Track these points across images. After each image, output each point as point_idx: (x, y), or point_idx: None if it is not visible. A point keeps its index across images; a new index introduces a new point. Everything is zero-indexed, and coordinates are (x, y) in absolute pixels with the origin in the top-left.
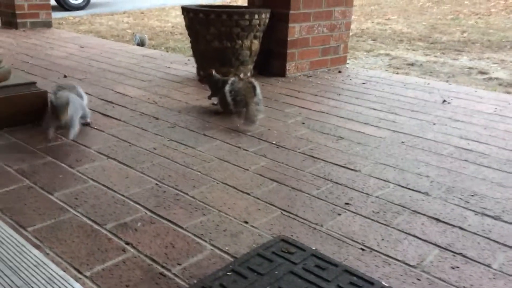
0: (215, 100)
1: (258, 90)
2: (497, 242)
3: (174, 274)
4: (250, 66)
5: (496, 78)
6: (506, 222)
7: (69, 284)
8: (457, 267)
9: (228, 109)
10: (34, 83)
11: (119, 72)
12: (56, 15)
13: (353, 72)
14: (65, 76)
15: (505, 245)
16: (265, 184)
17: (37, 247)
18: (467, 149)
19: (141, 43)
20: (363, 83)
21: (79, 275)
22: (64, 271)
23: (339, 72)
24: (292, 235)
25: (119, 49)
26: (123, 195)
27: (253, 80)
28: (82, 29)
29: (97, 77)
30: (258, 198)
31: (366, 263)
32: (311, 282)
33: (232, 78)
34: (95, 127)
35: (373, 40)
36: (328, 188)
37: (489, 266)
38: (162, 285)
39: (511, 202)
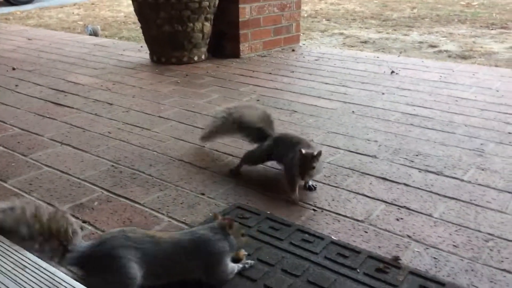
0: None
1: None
2: (438, 194)
3: None
4: (204, 49)
5: (446, 51)
6: (447, 176)
7: (20, 254)
8: (401, 219)
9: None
10: None
11: (70, 62)
12: (3, 10)
13: (306, 50)
14: (13, 69)
15: (446, 196)
16: (220, 159)
17: None
18: (413, 114)
19: (94, 35)
20: (316, 60)
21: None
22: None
23: (293, 50)
24: (247, 203)
25: (69, 40)
26: (78, 178)
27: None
28: (30, 23)
29: (47, 67)
30: (214, 172)
31: (317, 222)
32: (265, 242)
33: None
34: (47, 116)
35: (327, 20)
36: None
37: (430, 215)
38: None
39: (452, 159)
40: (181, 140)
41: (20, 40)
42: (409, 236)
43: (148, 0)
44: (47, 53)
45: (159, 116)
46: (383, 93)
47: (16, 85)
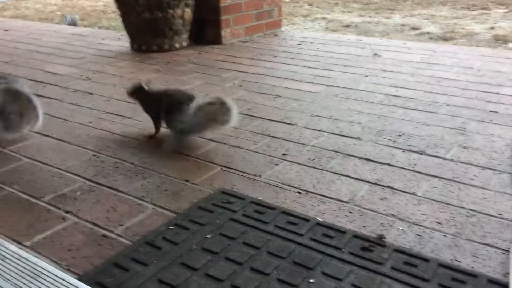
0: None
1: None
2: (421, 173)
3: (117, 234)
4: (185, 36)
5: (427, 33)
6: (429, 155)
7: (4, 247)
8: (386, 198)
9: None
10: None
11: (47, 52)
12: None
13: (289, 34)
14: None
15: (429, 175)
16: (204, 145)
17: None
18: (396, 96)
19: (73, 25)
20: (298, 44)
21: (19, 246)
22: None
23: (275, 35)
24: (232, 188)
25: (46, 30)
26: (59, 169)
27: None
28: (7, 15)
29: (24, 58)
30: (198, 158)
31: (302, 204)
32: (251, 225)
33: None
34: None
35: (310, 5)
36: (266, 143)
37: (414, 194)
38: (105, 245)
39: (434, 138)
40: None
41: None
42: (393, 215)
43: None
44: (24, 44)
45: None
46: (366, 76)
47: None
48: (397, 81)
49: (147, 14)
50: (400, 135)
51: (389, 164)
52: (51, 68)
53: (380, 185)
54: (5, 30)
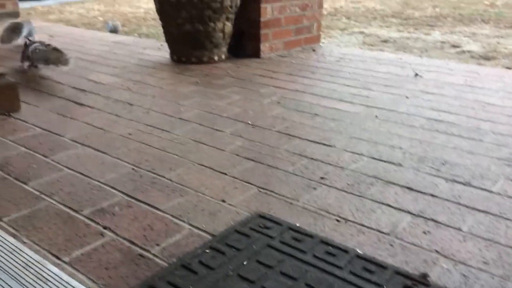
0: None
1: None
2: (467, 207)
3: (153, 254)
4: (224, 49)
5: (468, 51)
6: (475, 187)
7: (46, 268)
8: (429, 232)
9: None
10: (3, 74)
11: (91, 60)
12: (24, 5)
13: (327, 50)
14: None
15: (474, 209)
16: (241, 164)
17: (13, 236)
18: (438, 120)
19: (114, 30)
20: (337, 61)
21: (58, 261)
22: (42, 257)
23: (313, 50)
24: (269, 211)
25: (90, 37)
26: (99, 181)
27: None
28: (51, 19)
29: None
30: (235, 177)
31: (341, 233)
32: (288, 254)
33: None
34: (68, 116)
35: (347, 18)
36: (304, 164)
37: (459, 229)
38: (142, 265)
39: (480, 168)
40: (201, 143)
41: (42, 37)
42: (437, 251)
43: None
44: (69, 51)
45: (179, 118)
46: (407, 97)
47: (38, 83)
48: (439, 104)
49: (188, 27)
50: (443, 163)
51: (432, 195)
52: (94, 76)
53: (422, 217)
54: (50, 36)
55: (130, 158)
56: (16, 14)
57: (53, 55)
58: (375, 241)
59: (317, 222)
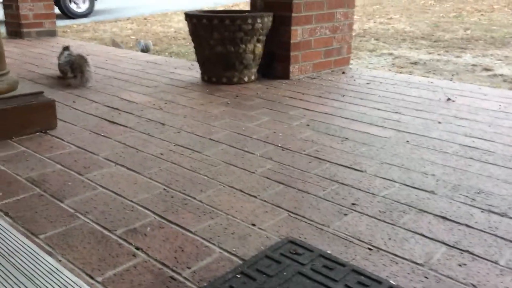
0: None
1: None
2: (504, 239)
3: (184, 277)
4: (254, 70)
5: (501, 75)
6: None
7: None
8: (464, 264)
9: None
10: (41, 92)
11: (124, 79)
12: (60, 23)
13: (357, 72)
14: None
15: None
16: (271, 187)
17: (49, 254)
18: (472, 147)
19: (146, 49)
20: (367, 83)
21: (91, 281)
22: (77, 277)
23: (343, 73)
24: (299, 237)
25: (123, 56)
26: (131, 201)
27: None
28: (86, 37)
29: (103, 84)
30: (265, 201)
31: (373, 262)
32: (319, 282)
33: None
34: (102, 134)
35: (376, 39)
36: (334, 189)
37: (496, 262)
38: None
39: None
40: (232, 165)
41: None
42: (473, 285)
43: (202, 22)
44: (103, 69)
45: (210, 139)
46: (439, 122)
47: (74, 101)
48: (473, 131)
49: (220, 48)
50: (478, 193)
51: (467, 225)
52: (127, 95)
53: (458, 248)
54: (87, 55)
55: (162, 178)
56: (53, 33)
57: (78, 61)
58: (409, 272)
59: (348, 250)
